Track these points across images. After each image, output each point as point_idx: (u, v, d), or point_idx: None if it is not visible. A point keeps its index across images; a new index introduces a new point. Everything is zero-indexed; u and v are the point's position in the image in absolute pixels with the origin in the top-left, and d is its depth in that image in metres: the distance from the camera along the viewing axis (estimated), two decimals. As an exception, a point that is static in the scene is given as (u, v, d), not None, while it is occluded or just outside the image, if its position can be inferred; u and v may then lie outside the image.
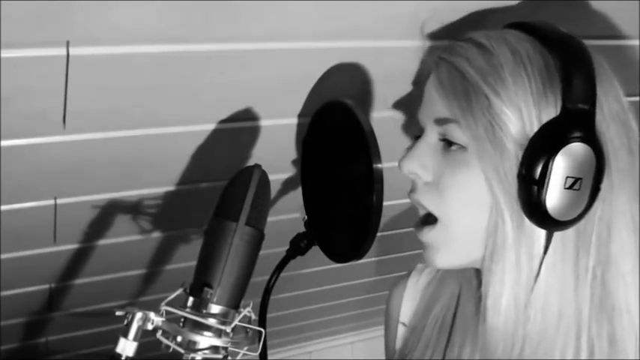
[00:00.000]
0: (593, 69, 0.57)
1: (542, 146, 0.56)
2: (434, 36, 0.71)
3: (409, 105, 0.75)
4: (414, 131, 0.67)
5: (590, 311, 0.58)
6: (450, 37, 0.65)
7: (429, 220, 0.63)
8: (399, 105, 0.83)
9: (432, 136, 0.63)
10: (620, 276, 0.59)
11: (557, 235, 0.58)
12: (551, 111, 0.56)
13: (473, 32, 0.62)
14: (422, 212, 0.65)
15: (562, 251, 0.58)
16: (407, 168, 0.64)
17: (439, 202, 0.62)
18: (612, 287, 0.58)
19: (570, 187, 0.56)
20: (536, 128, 0.56)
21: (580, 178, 0.56)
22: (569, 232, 0.58)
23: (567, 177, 0.55)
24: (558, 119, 0.56)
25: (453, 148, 0.60)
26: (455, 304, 0.72)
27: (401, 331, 0.79)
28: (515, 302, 0.59)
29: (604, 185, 0.57)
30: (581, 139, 0.55)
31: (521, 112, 0.57)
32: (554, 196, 0.55)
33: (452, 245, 0.62)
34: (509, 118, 0.57)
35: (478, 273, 0.65)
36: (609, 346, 0.58)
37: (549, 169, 0.55)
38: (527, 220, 0.57)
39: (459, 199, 0.60)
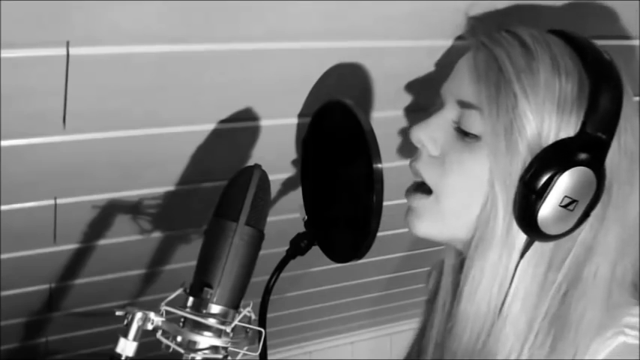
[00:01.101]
0: (622, 102, 0.58)
1: (552, 160, 0.57)
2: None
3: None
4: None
5: (542, 323, 0.60)
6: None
7: (424, 188, 0.65)
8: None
9: (450, 113, 0.63)
10: (584, 299, 0.60)
11: (537, 247, 0.59)
12: (570, 129, 0.57)
13: (518, 27, 0.62)
14: (417, 180, 0.66)
15: (536, 261, 0.60)
16: (416, 136, 0.65)
17: (439, 178, 0.63)
18: (571, 306, 0.60)
19: (565, 206, 0.57)
20: (550, 141, 0.57)
21: (577, 201, 0.57)
22: (547, 247, 0.60)
23: (565, 196, 0.57)
24: (575, 140, 0.57)
25: (468, 137, 0.61)
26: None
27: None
28: (490, 296, 0.60)
29: (596, 214, 0.59)
30: (590, 165, 0.56)
31: (543, 121, 0.57)
32: (547, 210, 0.57)
33: (437, 218, 0.64)
34: (529, 122, 0.58)
35: (462, 261, 0.67)
36: (547, 357, 0.59)
37: (552, 184, 0.56)
38: (514, 223, 0.59)
39: (459, 182, 0.62)
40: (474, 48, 0.63)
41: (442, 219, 0.63)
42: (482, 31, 0.64)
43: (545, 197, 0.56)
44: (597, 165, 0.57)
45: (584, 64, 0.59)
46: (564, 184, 0.56)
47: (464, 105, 0.62)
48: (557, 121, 0.57)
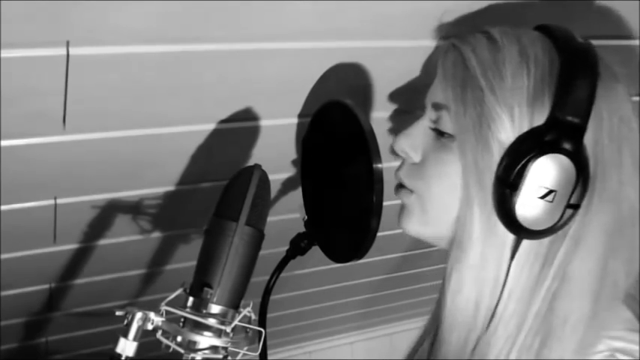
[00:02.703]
0: (596, 84, 0.55)
1: (521, 150, 0.55)
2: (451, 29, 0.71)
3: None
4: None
5: (532, 324, 0.57)
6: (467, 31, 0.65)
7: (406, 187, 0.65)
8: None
9: (427, 118, 0.64)
10: (569, 298, 0.57)
11: (530, 245, 0.57)
12: (542, 118, 0.55)
13: (493, 26, 0.61)
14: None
15: (531, 262, 0.57)
16: (399, 146, 0.65)
17: (419, 183, 0.63)
18: (559, 306, 0.57)
19: (543, 198, 0.54)
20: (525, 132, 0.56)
21: (555, 191, 0.54)
22: (541, 245, 0.57)
23: (542, 186, 0.54)
24: (544, 127, 0.55)
25: (444, 137, 0.61)
26: None
27: None
28: (478, 296, 0.58)
29: (584, 205, 0.56)
30: (564, 152, 0.54)
31: (513, 113, 0.56)
32: (525, 203, 0.55)
33: (422, 218, 0.63)
34: (499, 116, 0.56)
35: None
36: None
37: (524, 174, 0.54)
38: (499, 222, 0.57)
39: (436, 183, 0.61)
40: (443, 51, 0.62)
41: (426, 219, 0.63)
42: (455, 35, 0.63)
43: (520, 189, 0.54)
44: (573, 151, 0.54)
45: (558, 52, 0.57)
46: (537, 173, 0.54)
47: (437, 107, 0.62)
48: (529, 111, 0.55)
